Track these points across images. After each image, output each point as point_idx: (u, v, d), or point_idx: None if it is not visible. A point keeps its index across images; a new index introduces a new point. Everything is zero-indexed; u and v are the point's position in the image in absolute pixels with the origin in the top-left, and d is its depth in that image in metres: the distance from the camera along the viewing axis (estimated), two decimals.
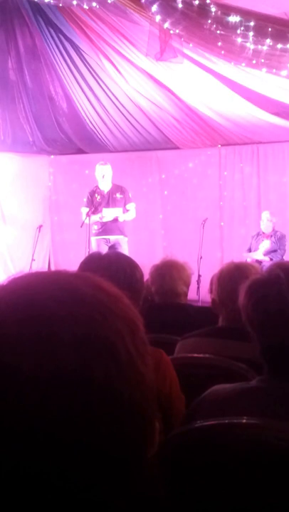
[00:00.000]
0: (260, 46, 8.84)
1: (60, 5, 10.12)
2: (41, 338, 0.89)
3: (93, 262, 3.00)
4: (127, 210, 11.33)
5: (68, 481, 0.88)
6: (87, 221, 11.14)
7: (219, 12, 8.62)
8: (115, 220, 11.21)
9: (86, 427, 0.89)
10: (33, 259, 12.68)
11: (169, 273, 4.80)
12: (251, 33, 8.68)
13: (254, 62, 9.27)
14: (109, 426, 0.91)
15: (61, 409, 0.87)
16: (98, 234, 11.32)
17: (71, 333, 0.90)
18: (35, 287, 0.97)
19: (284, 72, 9.46)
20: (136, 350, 0.96)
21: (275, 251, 11.61)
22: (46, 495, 0.87)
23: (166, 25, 9.12)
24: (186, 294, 4.96)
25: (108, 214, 11.14)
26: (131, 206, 11.39)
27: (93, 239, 11.34)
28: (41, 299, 0.94)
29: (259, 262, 11.07)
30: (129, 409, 0.93)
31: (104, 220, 11.16)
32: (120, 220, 11.21)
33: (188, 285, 4.96)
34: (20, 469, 0.87)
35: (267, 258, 11.46)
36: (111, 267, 2.87)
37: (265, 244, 11.69)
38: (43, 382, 0.87)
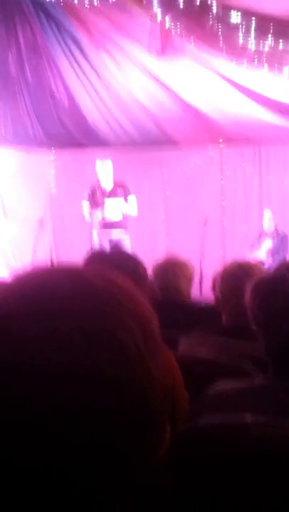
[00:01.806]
0: (261, 45, 8.85)
1: (62, 1, 10.14)
2: (49, 333, 0.89)
3: (96, 260, 3.00)
4: (128, 203, 11.33)
5: (77, 477, 0.88)
6: (88, 216, 11.18)
7: (221, 11, 8.62)
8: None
9: (94, 422, 0.88)
10: (34, 253, 12.66)
11: (172, 270, 4.80)
12: (252, 32, 8.68)
13: (255, 61, 9.28)
14: (118, 421, 0.90)
15: (69, 404, 0.87)
16: (100, 229, 11.32)
17: (79, 328, 0.90)
18: (45, 282, 0.97)
19: (286, 71, 9.47)
20: (146, 348, 0.96)
21: (277, 251, 11.62)
22: (59, 489, 0.87)
23: (168, 24, 9.12)
24: (189, 292, 4.97)
25: (110, 203, 11.13)
26: (132, 198, 11.38)
27: (95, 234, 11.35)
28: (50, 294, 0.94)
29: (261, 261, 11.07)
30: (138, 405, 0.93)
31: (107, 216, 11.15)
32: (123, 211, 11.21)
33: (191, 283, 4.97)
34: (30, 465, 0.87)
35: (269, 258, 11.46)
36: (114, 263, 2.87)
37: (268, 244, 11.69)
38: (51, 377, 0.87)
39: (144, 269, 3.02)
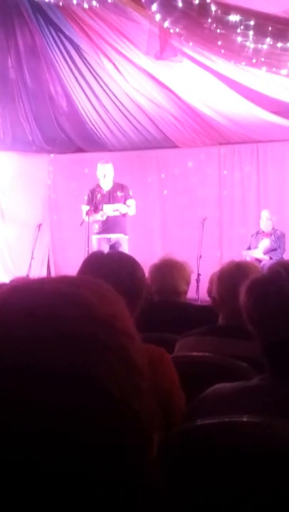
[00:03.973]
0: (260, 45, 8.85)
1: (60, 4, 10.13)
2: (36, 337, 0.90)
3: (95, 261, 3.01)
4: (128, 207, 11.33)
5: (65, 480, 0.89)
6: (87, 219, 11.15)
7: (219, 11, 8.62)
8: (116, 217, 11.22)
9: (74, 424, 0.89)
10: (32, 258, 12.66)
11: (170, 272, 4.81)
12: (251, 32, 8.68)
13: (254, 61, 9.29)
14: (98, 422, 0.91)
15: (55, 408, 0.88)
16: (99, 232, 11.32)
17: (55, 332, 0.91)
18: (28, 294, 0.98)
19: (284, 71, 9.48)
20: (132, 370, 0.97)
21: (274, 250, 11.62)
22: (44, 493, 0.88)
23: (166, 24, 9.12)
24: (186, 293, 4.97)
25: (109, 209, 11.14)
26: (131, 202, 11.38)
27: (94, 237, 11.34)
28: (37, 301, 0.95)
29: (259, 260, 11.08)
30: (125, 410, 0.94)
31: (105, 216, 11.16)
32: (122, 211, 11.21)
33: (188, 284, 4.97)
34: (17, 468, 0.87)
35: (266, 257, 11.47)
36: (113, 266, 2.88)
37: (265, 243, 11.69)
38: (37, 382, 0.88)
39: (143, 273, 3.02)
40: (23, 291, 1.00)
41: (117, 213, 11.19)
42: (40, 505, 0.88)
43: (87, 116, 13.10)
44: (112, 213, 11.17)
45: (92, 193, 11.44)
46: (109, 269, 2.83)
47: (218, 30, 8.84)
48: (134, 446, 0.95)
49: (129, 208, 11.33)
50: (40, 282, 1.03)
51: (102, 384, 0.91)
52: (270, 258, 11.38)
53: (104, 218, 11.20)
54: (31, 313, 0.94)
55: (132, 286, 2.84)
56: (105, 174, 11.40)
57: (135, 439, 0.95)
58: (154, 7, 8.86)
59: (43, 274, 13.76)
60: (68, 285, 1.01)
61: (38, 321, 0.92)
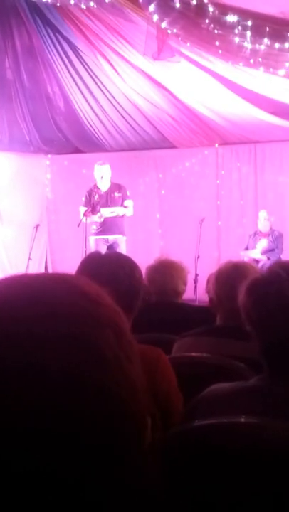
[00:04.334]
0: (257, 45, 8.85)
1: (58, 4, 10.12)
2: (25, 338, 0.90)
3: (93, 262, 3.01)
4: (125, 207, 11.32)
5: (59, 477, 0.88)
6: (84, 220, 11.15)
7: (217, 11, 8.62)
8: (114, 218, 11.22)
9: (73, 424, 0.89)
10: (30, 259, 12.67)
11: (170, 273, 4.81)
12: (249, 33, 8.68)
13: (251, 61, 9.29)
14: (98, 422, 0.91)
15: (46, 403, 0.88)
16: (97, 233, 11.32)
17: (54, 332, 0.91)
18: (17, 292, 0.98)
19: (281, 72, 9.48)
20: (124, 354, 0.97)
21: (272, 250, 11.64)
22: (38, 491, 0.88)
23: (164, 24, 9.12)
24: (182, 293, 4.99)
25: (106, 212, 11.14)
26: (129, 203, 11.38)
27: (92, 238, 11.34)
28: (25, 300, 0.95)
29: (256, 261, 11.09)
30: (118, 404, 0.94)
31: (103, 218, 11.16)
32: (120, 214, 11.21)
33: (186, 284, 4.98)
34: (8, 466, 0.87)
35: (264, 257, 11.48)
36: (111, 267, 2.88)
37: (263, 243, 11.71)
38: (30, 382, 0.87)
39: (140, 274, 3.02)
40: (21, 288, 1.00)
41: (114, 214, 11.19)
42: (35, 504, 0.88)
43: (84, 116, 13.10)
44: (110, 215, 11.17)
45: (90, 194, 11.44)
46: (107, 270, 2.83)
47: (216, 31, 8.83)
48: (129, 440, 0.95)
49: (127, 208, 11.32)
50: (35, 279, 1.03)
51: (101, 384, 0.91)
52: (268, 258, 11.39)
53: (102, 220, 11.20)
54: (29, 311, 0.93)
55: (130, 287, 2.85)
56: (102, 175, 11.39)
57: (130, 435, 0.95)
58: (152, 7, 8.85)
59: None
60: (65, 282, 1.01)
61: (37, 319, 0.92)
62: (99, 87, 12.35)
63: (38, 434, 0.87)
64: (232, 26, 8.65)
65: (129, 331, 1.02)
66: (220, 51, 9.40)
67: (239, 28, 8.65)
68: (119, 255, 3.40)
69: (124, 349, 0.98)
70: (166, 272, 4.82)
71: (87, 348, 0.93)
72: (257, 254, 11.61)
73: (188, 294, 5.90)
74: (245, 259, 10.89)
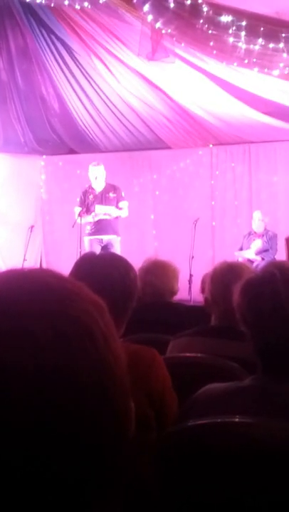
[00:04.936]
0: (252, 46, 8.86)
1: (52, 5, 10.12)
2: (19, 334, 0.90)
3: (87, 263, 3.01)
4: (120, 209, 11.32)
5: (48, 470, 0.88)
6: (79, 221, 11.14)
7: (211, 12, 8.62)
8: (108, 218, 11.21)
9: (73, 416, 0.89)
10: (24, 259, 12.65)
11: (165, 274, 4.81)
12: (243, 33, 8.69)
13: (246, 61, 9.30)
14: (96, 409, 0.91)
15: (46, 401, 0.87)
16: (91, 234, 11.31)
17: (47, 325, 0.91)
18: (1, 284, 0.98)
19: (276, 72, 9.49)
20: (108, 331, 0.97)
21: (266, 250, 11.65)
22: (27, 487, 0.88)
23: (158, 24, 9.12)
24: (174, 292, 4.99)
25: (100, 210, 11.13)
26: (124, 204, 11.37)
27: (86, 239, 11.34)
28: (12, 295, 0.95)
29: (251, 261, 11.10)
30: (111, 388, 0.94)
31: (97, 218, 11.16)
32: (113, 215, 11.21)
33: (176, 283, 4.99)
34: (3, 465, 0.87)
35: (258, 258, 11.50)
36: (105, 268, 2.88)
37: (257, 244, 11.72)
38: (27, 379, 0.87)
39: (135, 274, 3.02)
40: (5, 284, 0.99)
41: (107, 217, 11.19)
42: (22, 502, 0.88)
43: (79, 117, 13.10)
44: (103, 216, 11.17)
45: (85, 195, 11.43)
46: (102, 270, 2.83)
47: (210, 31, 8.84)
48: (107, 433, 0.94)
49: (122, 210, 11.32)
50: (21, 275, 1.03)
51: (82, 378, 0.91)
52: (262, 259, 11.40)
53: (96, 220, 11.20)
54: (6, 309, 0.93)
55: (124, 288, 2.84)
56: (97, 176, 11.38)
57: (109, 425, 0.95)
58: (146, 8, 8.86)
59: None
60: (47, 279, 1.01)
61: (15, 318, 0.92)
62: (93, 87, 12.34)
63: (23, 431, 0.87)
64: (226, 26, 8.66)
65: (108, 312, 1.03)
66: (214, 51, 9.41)
67: (233, 28, 8.66)
68: (114, 256, 3.40)
69: (110, 330, 0.98)
70: (162, 273, 4.81)
71: (79, 334, 0.93)
72: (251, 255, 11.62)
73: (183, 295, 5.92)
74: (240, 259, 10.89)
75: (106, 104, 12.59)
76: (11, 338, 0.89)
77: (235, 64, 9.70)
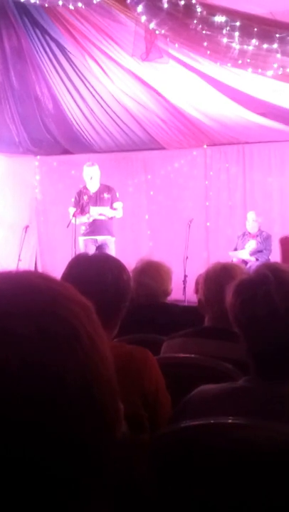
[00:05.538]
0: (245, 46, 8.86)
1: (46, 5, 10.09)
2: (4, 334, 0.90)
3: (81, 263, 3.01)
4: (115, 209, 11.33)
5: (39, 470, 0.88)
6: (74, 221, 11.14)
7: (205, 12, 8.62)
8: (103, 219, 11.22)
9: (58, 416, 0.89)
10: (19, 260, 12.65)
11: (160, 275, 4.81)
12: (237, 33, 8.69)
13: (240, 62, 9.29)
14: (82, 409, 0.91)
15: (32, 402, 0.88)
16: (86, 234, 11.32)
17: (33, 326, 0.91)
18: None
19: (269, 73, 9.49)
20: (94, 331, 0.97)
21: (260, 251, 11.66)
22: (16, 484, 0.88)
23: (152, 25, 9.12)
24: (168, 293, 4.99)
25: (95, 211, 11.14)
26: (118, 205, 11.38)
27: (81, 239, 11.34)
28: None
29: (245, 262, 11.12)
30: (98, 388, 0.94)
31: (91, 218, 11.17)
32: (108, 215, 11.21)
33: (170, 284, 4.99)
34: None
35: (253, 258, 11.51)
36: (99, 269, 2.88)
37: (251, 244, 11.73)
38: (11, 378, 0.87)
39: (128, 276, 3.02)
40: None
41: (103, 217, 11.20)
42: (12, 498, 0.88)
43: (73, 118, 13.09)
44: (98, 217, 11.18)
45: (79, 195, 11.44)
46: (95, 272, 2.83)
47: (204, 32, 8.84)
48: (93, 431, 0.95)
49: (116, 211, 11.33)
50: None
51: (63, 376, 0.91)
52: (257, 259, 11.41)
53: (91, 221, 11.21)
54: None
55: (117, 288, 2.85)
56: (92, 176, 11.40)
57: (92, 421, 0.95)
58: (140, 8, 8.86)
59: None
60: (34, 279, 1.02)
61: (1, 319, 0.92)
62: (88, 88, 12.33)
63: (19, 429, 0.87)
64: (220, 27, 8.66)
65: (95, 313, 1.03)
66: (208, 52, 9.41)
67: (227, 28, 8.65)
68: (107, 257, 3.39)
69: (96, 330, 0.99)
70: (156, 273, 4.81)
71: (64, 335, 0.93)
72: (245, 255, 11.63)
73: (177, 295, 5.92)
74: (234, 259, 10.91)
75: (100, 104, 12.58)
76: None
77: (229, 64, 9.70)
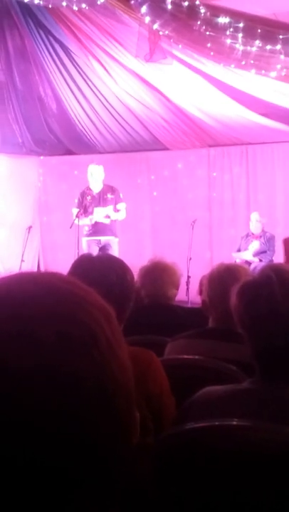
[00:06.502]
0: (249, 47, 8.85)
1: (50, 6, 10.11)
2: (23, 337, 0.90)
3: (84, 264, 3.00)
4: (118, 210, 11.32)
5: (53, 475, 0.89)
6: (77, 222, 11.14)
7: (208, 13, 8.62)
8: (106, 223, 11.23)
9: (75, 420, 0.89)
10: (22, 260, 12.66)
11: (160, 277, 4.79)
12: (240, 34, 8.69)
13: (243, 63, 9.29)
14: (97, 416, 0.91)
15: (48, 405, 0.88)
16: (89, 235, 11.32)
17: (52, 329, 0.91)
18: (12, 288, 0.98)
19: (273, 74, 9.49)
20: (114, 338, 0.97)
21: (264, 252, 11.64)
22: (28, 488, 0.88)
23: (156, 26, 9.12)
24: (174, 296, 4.97)
25: (98, 213, 11.14)
26: (121, 206, 11.38)
27: (84, 240, 11.35)
28: (19, 299, 0.95)
29: (248, 262, 11.10)
30: (114, 396, 0.94)
31: (94, 220, 11.17)
32: (112, 218, 11.21)
33: (178, 287, 4.97)
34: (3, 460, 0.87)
35: (256, 259, 11.49)
36: (102, 270, 2.87)
37: (255, 245, 11.71)
38: (27, 380, 0.87)
39: (132, 276, 3.01)
40: (1, 288, 0.99)
41: (107, 221, 11.20)
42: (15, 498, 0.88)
43: (76, 118, 13.09)
44: (101, 220, 11.18)
45: (82, 196, 11.44)
46: (99, 272, 2.82)
47: (208, 33, 8.84)
48: (107, 434, 0.95)
49: (119, 212, 11.32)
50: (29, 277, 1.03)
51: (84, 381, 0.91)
52: (260, 260, 11.40)
53: (93, 222, 11.21)
54: (13, 313, 0.93)
55: (121, 290, 2.84)
56: (95, 177, 11.40)
57: (108, 426, 0.95)
58: (144, 9, 8.86)
59: None
60: (58, 282, 1.02)
61: (21, 321, 0.92)
62: (91, 88, 12.33)
63: (33, 434, 0.87)
64: (224, 28, 8.66)
65: (116, 318, 1.03)
66: (212, 53, 9.40)
67: (231, 29, 8.65)
68: (111, 257, 3.39)
69: (116, 336, 0.99)
70: (157, 276, 4.79)
71: (83, 341, 0.93)
72: (249, 256, 11.61)
73: (180, 296, 5.90)
74: (237, 260, 10.90)
75: (104, 105, 12.58)
76: (13, 340, 0.90)
77: (232, 65, 9.70)
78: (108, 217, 11.19)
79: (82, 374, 0.90)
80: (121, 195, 11.51)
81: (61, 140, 13.93)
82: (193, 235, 12.06)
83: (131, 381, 0.99)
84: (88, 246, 11.24)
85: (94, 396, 0.91)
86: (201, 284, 4.50)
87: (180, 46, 9.73)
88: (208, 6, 8.59)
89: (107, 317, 0.99)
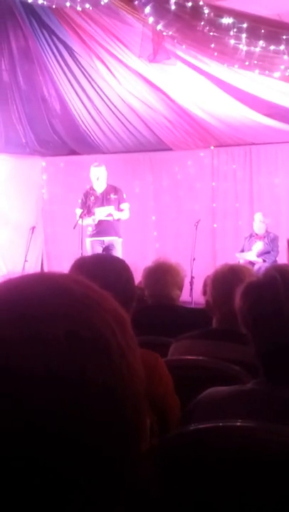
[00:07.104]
0: (252, 48, 8.86)
1: (54, 6, 10.11)
2: (32, 338, 0.90)
3: (86, 264, 3.00)
4: (121, 210, 11.32)
5: (60, 477, 0.89)
6: (80, 222, 11.14)
7: (212, 14, 8.62)
8: (110, 220, 11.21)
9: (81, 424, 0.89)
10: (25, 260, 12.66)
11: (164, 278, 4.79)
12: (244, 35, 8.69)
13: (247, 63, 9.29)
14: (104, 421, 0.91)
15: (55, 407, 0.88)
16: (93, 235, 11.32)
17: (62, 331, 0.91)
18: (24, 289, 0.98)
19: (277, 74, 9.48)
20: (126, 344, 0.97)
21: (268, 252, 11.63)
22: (36, 492, 0.88)
23: (159, 27, 9.13)
24: (179, 297, 4.97)
25: (100, 212, 11.13)
26: (125, 206, 11.38)
27: (88, 240, 11.34)
28: (30, 299, 0.95)
29: (252, 263, 11.09)
30: (122, 403, 0.94)
31: (97, 218, 11.16)
32: (115, 217, 11.21)
33: (181, 289, 4.96)
34: (13, 465, 0.87)
35: (260, 259, 11.48)
36: (104, 270, 2.87)
37: (258, 246, 11.71)
38: (37, 382, 0.87)
39: (132, 276, 3.01)
40: (14, 289, 0.99)
41: (110, 218, 11.19)
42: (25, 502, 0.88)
43: (80, 118, 13.10)
44: (103, 218, 11.17)
45: (86, 196, 11.44)
46: (99, 272, 2.82)
47: (211, 33, 8.84)
48: (129, 436, 0.95)
49: (122, 212, 11.32)
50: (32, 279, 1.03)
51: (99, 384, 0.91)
52: (264, 261, 11.39)
53: (96, 222, 11.20)
54: (23, 313, 0.93)
55: (123, 290, 2.84)
56: (98, 177, 11.40)
57: (130, 432, 0.95)
58: (147, 10, 8.86)
59: None
60: (62, 281, 1.02)
61: (31, 322, 0.92)
62: (95, 89, 12.34)
63: (29, 433, 0.87)
64: (227, 28, 8.66)
65: (129, 322, 1.03)
66: (215, 53, 9.41)
67: (234, 30, 8.66)
68: (112, 257, 3.40)
69: (129, 343, 0.98)
70: (161, 277, 4.79)
71: (94, 345, 0.93)
72: (253, 257, 11.61)
73: (184, 296, 5.89)
74: (241, 261, 10.90)
75: (107, 105, 12.58)
76: (23, 342, 0.90)
77: (236, 66, 9.70)
78: (111, 215, 11.18)
79: (89, 376, 0.90)
80: (124, 195, 11.50)
81: (65, 140, 13.93)
82: (197, 235, 12.05)
83: (142, 387, 0.99)
84: (92, 246, 11.23)
85: (100, 399, 0.91)
86: (204, 285, 4.50)
87: (184, 47, 9.73)
88: (211, 7, 8.59)
89: (120, 322, 0.99)
